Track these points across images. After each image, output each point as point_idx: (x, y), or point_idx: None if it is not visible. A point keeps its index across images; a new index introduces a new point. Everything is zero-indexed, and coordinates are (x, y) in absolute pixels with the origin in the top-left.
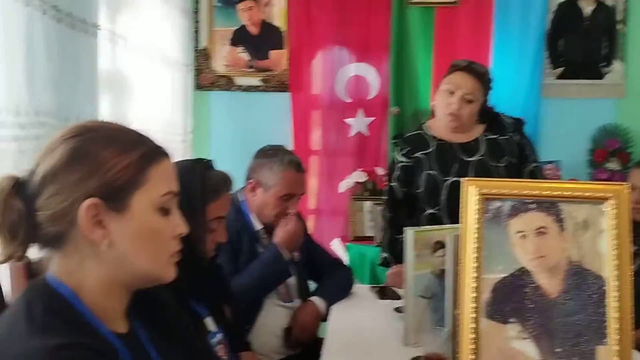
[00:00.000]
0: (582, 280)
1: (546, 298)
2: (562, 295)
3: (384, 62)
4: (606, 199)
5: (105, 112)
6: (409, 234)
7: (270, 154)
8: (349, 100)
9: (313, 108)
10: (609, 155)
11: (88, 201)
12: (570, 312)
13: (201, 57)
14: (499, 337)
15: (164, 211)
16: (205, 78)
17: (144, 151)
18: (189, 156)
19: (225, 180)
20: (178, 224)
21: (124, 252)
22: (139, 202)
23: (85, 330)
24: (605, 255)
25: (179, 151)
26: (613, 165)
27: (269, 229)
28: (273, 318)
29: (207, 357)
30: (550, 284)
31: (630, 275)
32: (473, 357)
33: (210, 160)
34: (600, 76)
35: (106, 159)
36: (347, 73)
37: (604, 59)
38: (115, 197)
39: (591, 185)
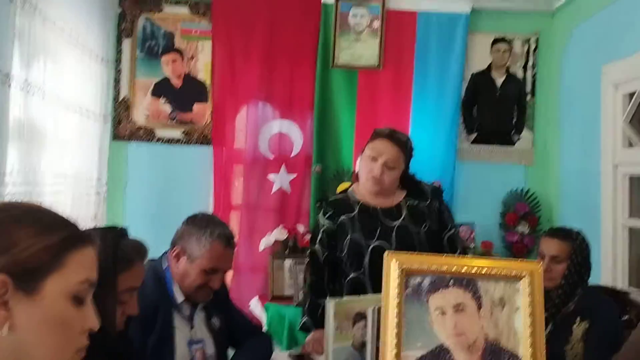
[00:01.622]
0: (498, 359)
1: None
2: None
3: (308, 121)
4: (521, 277)
5: (14, 162)
6: (330, 305)
7: (201, 224)
8: (272, 157)
9: (235, 163)
10: (519, 218)
11: None
12: None
13: (121, 108)
14: None
15: (78, 301)
16: (125, 128)
17: (65, 235)
18: (102, 209)
19: (138, 250)
20: (90, 318)
21: (24, 340)
22: (52, 287)
23: None
24: (521, 334)
25: (92, 203)
26: (523, 228)
27: (192, 300)
28: None
29: None
30: None
31: (543, 353)
32: None
33: (124, 228)
34: (511, 143)
35: (23, 237)
36: (271, 129)
37: (514, 127)
38: (27, 278)
39: (507, 262)
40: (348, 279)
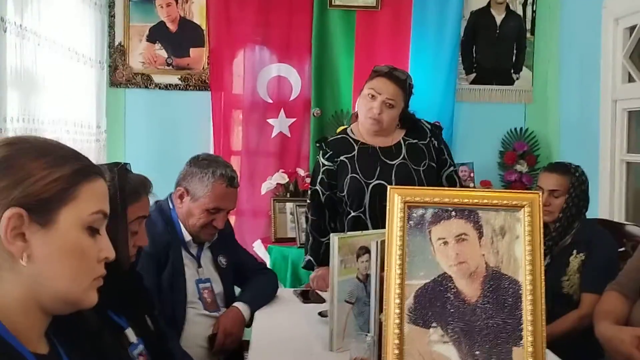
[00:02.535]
0: (499, 284)
1: (466, 303)
2: (480, 299)
3: (306, 63)
4: (521, 206)
5: (14, 111)
6: (334, 240)
7: (203, 164)
8: (271, 101)
9: (234, 108)
10: (518, 157)
11: (11, 210)
12: (488, 316)
13: (116, 54)
14: (422, 342)
15: (92, 231)
16: (121, 75)
17: (77, 168)
18: (103, 156)
19: (144, 183)
20: (105, 248)
21: (44, 269)
22: (65, 218)
23: (3, 350)
24: (520, 260)
25: (92, 150)
26: (521, 167)
27: (197, 239)
28: (198, 328)
29: None
30: (469, 289)
31: (542, 279)
32: None
33: (127, 164)
34: (510, 82)
35: (35, 170)
36: (269, 73)
37: (513, 66)
38: (41, 210)
39: (507, 193)
40: (349, 217)
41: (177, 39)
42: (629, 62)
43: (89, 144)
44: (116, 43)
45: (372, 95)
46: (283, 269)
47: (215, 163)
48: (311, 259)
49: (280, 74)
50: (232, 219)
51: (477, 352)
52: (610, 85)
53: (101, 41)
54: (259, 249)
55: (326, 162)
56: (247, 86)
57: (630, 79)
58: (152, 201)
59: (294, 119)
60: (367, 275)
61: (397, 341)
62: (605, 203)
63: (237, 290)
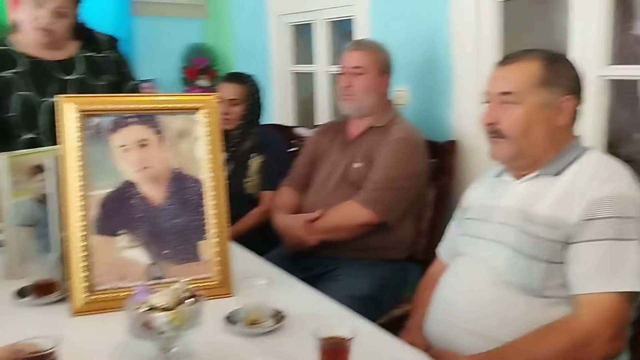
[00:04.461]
0: (182, 185)
1: (151, 206)
2: (166, 201)
3: None
4: (198, 108)
5: None
6: (2, 159)
7: None
8: None
9: None
10: (199, 72)
11: None
12: (174, 216)
13: None
14: (110, 250)
15: None
16: None
17: None
18: None
19: None
20: None
21: None
22: None
23: None
24: (202, 160)
25: None
26: (203, 82)
27: None
28: None
29: None
30: (154, 192)
31: (224, 177)
32: (86, 273)
33: None
34: None
35: None
36: None
37: None
38: None
39: (184, 97)
40: (21, 139)
41: None
42: None
43: None
44: None
45: (38, 3)
46: None
47: None
48: None
49: None
50: None
51: (166, 251)
52: (276, 1)
53: None
54: None
55: None
56: None
57: None
58: None
59: None
60: (45, 195)
61: (84, 254)
62: (277, 110)
63: None
